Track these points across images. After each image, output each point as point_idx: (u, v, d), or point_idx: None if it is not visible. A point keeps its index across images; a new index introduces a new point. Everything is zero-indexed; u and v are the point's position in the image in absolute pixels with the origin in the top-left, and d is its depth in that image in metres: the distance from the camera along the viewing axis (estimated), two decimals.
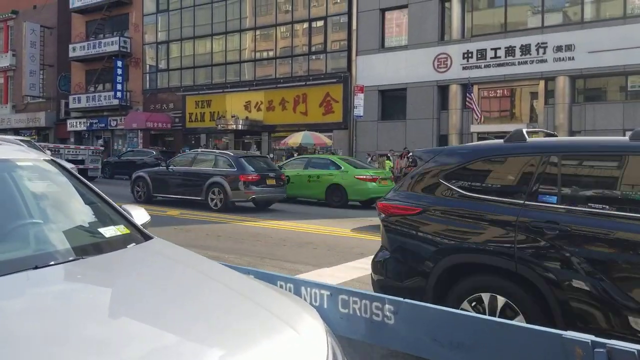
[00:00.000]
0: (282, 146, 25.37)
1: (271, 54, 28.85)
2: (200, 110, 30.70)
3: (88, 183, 3.39)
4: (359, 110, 21.57)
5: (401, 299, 2.94)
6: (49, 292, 2.32)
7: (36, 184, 3.23)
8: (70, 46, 35.38)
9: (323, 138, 23.92)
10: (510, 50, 21.45)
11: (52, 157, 3.39)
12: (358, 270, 7.24)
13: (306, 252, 8.47)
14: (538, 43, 20.93)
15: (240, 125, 28.02)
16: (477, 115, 21.04)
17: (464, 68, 22.44)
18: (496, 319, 2.80)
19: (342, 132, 25.57)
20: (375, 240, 9.39)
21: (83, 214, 3.21)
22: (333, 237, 10.10)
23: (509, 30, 21.91)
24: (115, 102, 32.85)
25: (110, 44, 33.29)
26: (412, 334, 2.89)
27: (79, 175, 3.41)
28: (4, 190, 3.03)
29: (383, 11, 24.80)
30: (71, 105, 35.64)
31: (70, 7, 35.50)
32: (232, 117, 28.31)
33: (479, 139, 23.04)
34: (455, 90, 22.87)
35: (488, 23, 22.89)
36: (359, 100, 21.61)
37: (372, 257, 7.91)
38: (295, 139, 23.41)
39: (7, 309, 2.06)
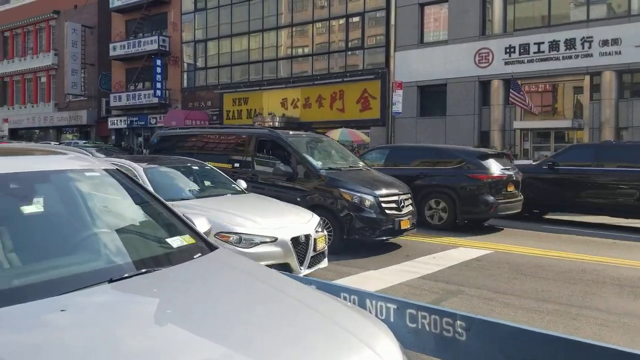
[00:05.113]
0: None
1: (307, 50, 28.84)
2: (237, 108, 30.93)
3: (152, 191, 3.41)
4: (397, 107, 21.32)
5: (474, 316, 2.87)
6: (125, 305, 2.33)
7: (102, 194, 3.26)
8: (111, 45, 36.01)
9: (361, 135, 23.82)
10: (554, 45, 20.92)
11: (116, 167, 3.41)
12: (406, 273, 7.14)
13: None
14: (583, 37, 20.35)
15: (277, 123, 28.08)
16: (531, 108, 20.52)
17: (506, 63, 21.99)
18: (574, 337, 2.70)
19: (379, 129, 25.39)
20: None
21: (150, 224, 3.23)
22: None
23: (552, 24, 21.37)
24: (155, 100, 33.33)
25: (149, 43, 33.77)
26: (485, 351, 2.80)
27: (142, 184, 3.43)
28: (72, 201, 3.08)
29: (422, 6, 24.50)
30: (112, 104, 36.32)
31: (110, 6, 36.13)
32: (269, 114, 28.42)
33: (522, 135, 22.63)
34: (497, 86, 22.44)
35: (530, 16, 22.37)
36: (397, 96, 21.37)
37: (419, 259, 7.86)
38: (333, 136, 23.35)
39: (80, 322, 2.07)
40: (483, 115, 23.14)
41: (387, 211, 8.39)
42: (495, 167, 10.90)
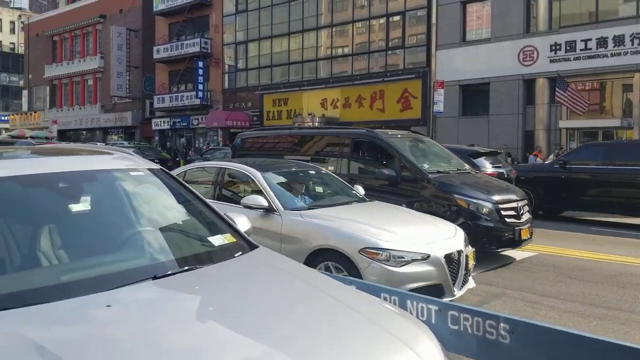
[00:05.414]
0: None
1: (347, 50, 28.79)
2: (277, 109, 31.13)
3: (194, 191, 3.45)
4: (438, 107, 21.09)
5: (517, 318, 2.80)
6: (168, 302, 2.36)
7: (146, 192, 3.32)
8: (154, 48, 36.76)
9: None
10: (602, 42, 20.28)
11: (160, 167, 3.47)
12: None
13: None
14: (633, 33, 19.65)
15: (316, 123, 28.11)
16: (580, 104, 19.98)
17: (551, 61, 21.44)
18: (624, 342, 2.60)
19: (420, 129, 25.04)
20: None
21: (192, 222, 3.27)
22: None
23: (600, 20, 20.72)
24: (197, 101, 33.87)
25: (191, 45, 34.33)
26: (529, 355, 2.73)
27: (185, 183, 3.48)
28: (117, 199, 3.14)
29: (464, 4, 24.15)
30: (155, 105, 37.08)
31: (154, 10, 36.90)
32: (309, 114, 28.49)
33: (568, 134, 22.04)
34: (542, 84, 21.92)
35: (577, 13, 21.76)
36: (439, 95, 21.13)
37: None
38: None
39: (125, 318, 2.11)
40: (527, 114, 22.63)
41: (506, 219, 7.56)
42: (486, 165, 11.17)
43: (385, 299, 3.20)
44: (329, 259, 5.13)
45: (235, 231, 3.16)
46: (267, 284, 2.67)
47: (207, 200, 3.41)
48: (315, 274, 3.02)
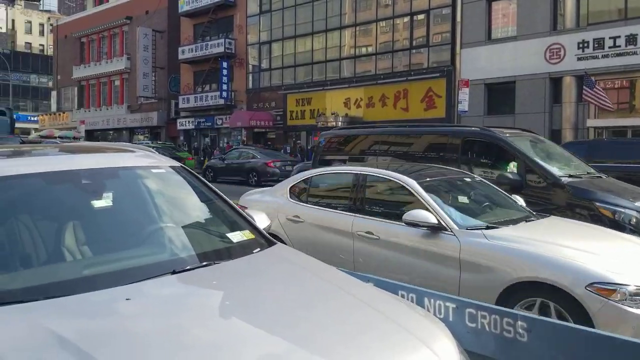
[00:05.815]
0: None
1: (371, 49, 28.71)
2: (300, 108, 31.20)
3: (214, 188, 3.49)
4: (463, 106, 20.88)
5: (535, 316, 2.78)
6: (187, 296, 2.40)
7: (167, 189, 3.38)
8: (180, 49, 37.10)
9: None
10: (631, 39, 19.86)
11: (181, 164, 3.52)
12: None
13: None
14: None
15: (339, 123, 28.08)
16: (608, 105, 19.62)
17: (579, 59, 21.07)
18: None
19: None
20: None
21: (211, 219, 3.32)
22: None
23: (629, 17, 20.30)
24: (221, 101, 34.10)
25: (216, 46, 34.58)
26: (548, 353, 2.71)
27: (205, 181, 3.52)
28: (139, 196, 3.20)
29: (490, 1, 23.88)
30: (180, 105, 37.45)
31: (179, 11, 37.24)
32: (332, 114, 28.49)
33: (597, 134, 21.65)
34: (569, 82, 21.56)
35: (606, 10, 21.35)
36: (463, 94, 20.92)
37: None
38: None
39: (144, 311, 2.15)
40: (554, 113, 22.28)
41: None
42: None
43: (403, 296, 3.21)
44: (541, 296, 3.95)
45: (254, 228, 3.19)
46: (284, 280, 2.69)
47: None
48: (333, 271, 3.02)
